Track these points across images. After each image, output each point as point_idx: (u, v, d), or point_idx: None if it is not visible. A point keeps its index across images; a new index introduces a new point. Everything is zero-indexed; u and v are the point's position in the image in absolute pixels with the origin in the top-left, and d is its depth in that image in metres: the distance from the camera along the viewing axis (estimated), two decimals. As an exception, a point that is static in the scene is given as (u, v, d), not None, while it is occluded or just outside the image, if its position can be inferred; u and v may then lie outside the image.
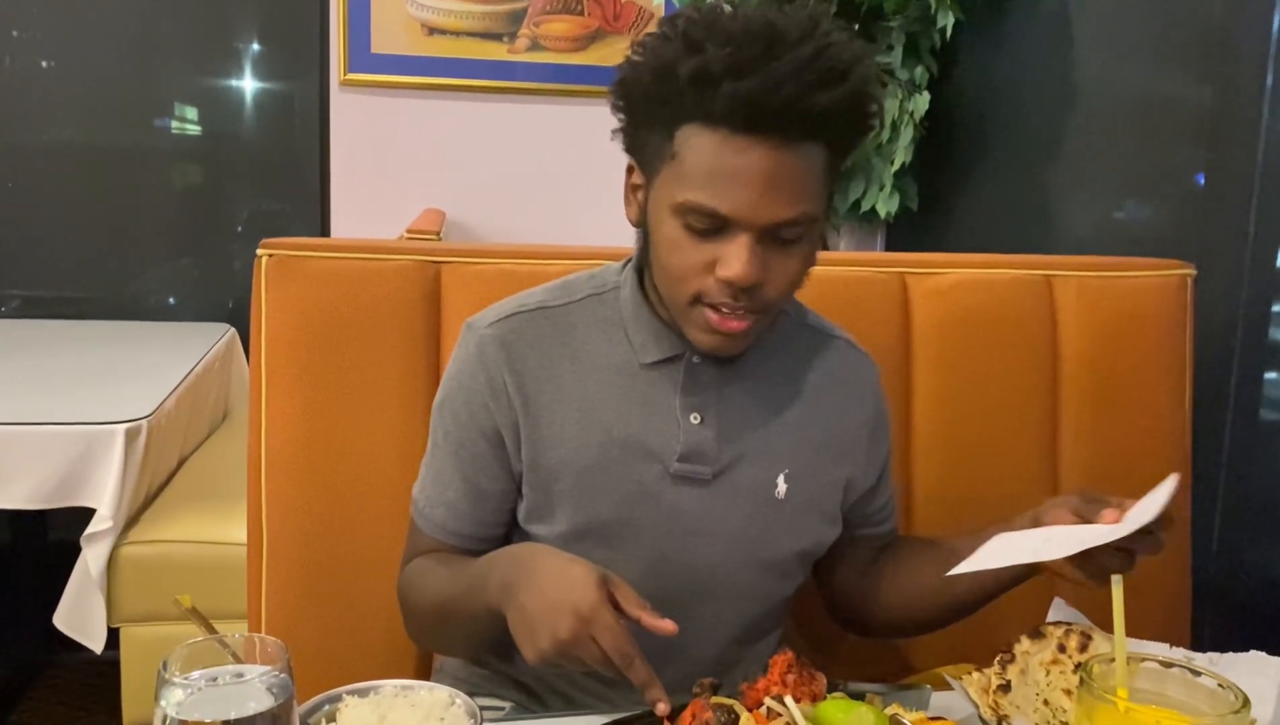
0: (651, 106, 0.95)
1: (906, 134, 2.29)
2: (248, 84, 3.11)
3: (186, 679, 0.65)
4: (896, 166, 2.34)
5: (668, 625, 0.85)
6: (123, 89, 3.03)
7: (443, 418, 1.10)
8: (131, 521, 2.04)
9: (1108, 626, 0.96)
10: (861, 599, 1.18)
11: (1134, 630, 0.80)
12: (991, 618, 1.32)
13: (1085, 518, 0.89)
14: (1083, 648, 0.91)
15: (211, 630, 0.75)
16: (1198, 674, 0.74)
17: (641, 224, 1.02)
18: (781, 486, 1.07)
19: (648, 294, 1.07)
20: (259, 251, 1.28)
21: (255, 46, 3.10)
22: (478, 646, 1.11)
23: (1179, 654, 0.85)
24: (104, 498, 1.91)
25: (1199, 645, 1.02)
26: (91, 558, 1.93)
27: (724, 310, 0.96)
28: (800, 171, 0.91)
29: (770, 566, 1.10)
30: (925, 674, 1.26)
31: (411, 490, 1.14)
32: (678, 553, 1.06)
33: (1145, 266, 1.48)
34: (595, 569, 0.88)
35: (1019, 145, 2.34)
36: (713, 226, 0.93)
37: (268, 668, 0.67)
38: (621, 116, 0.99)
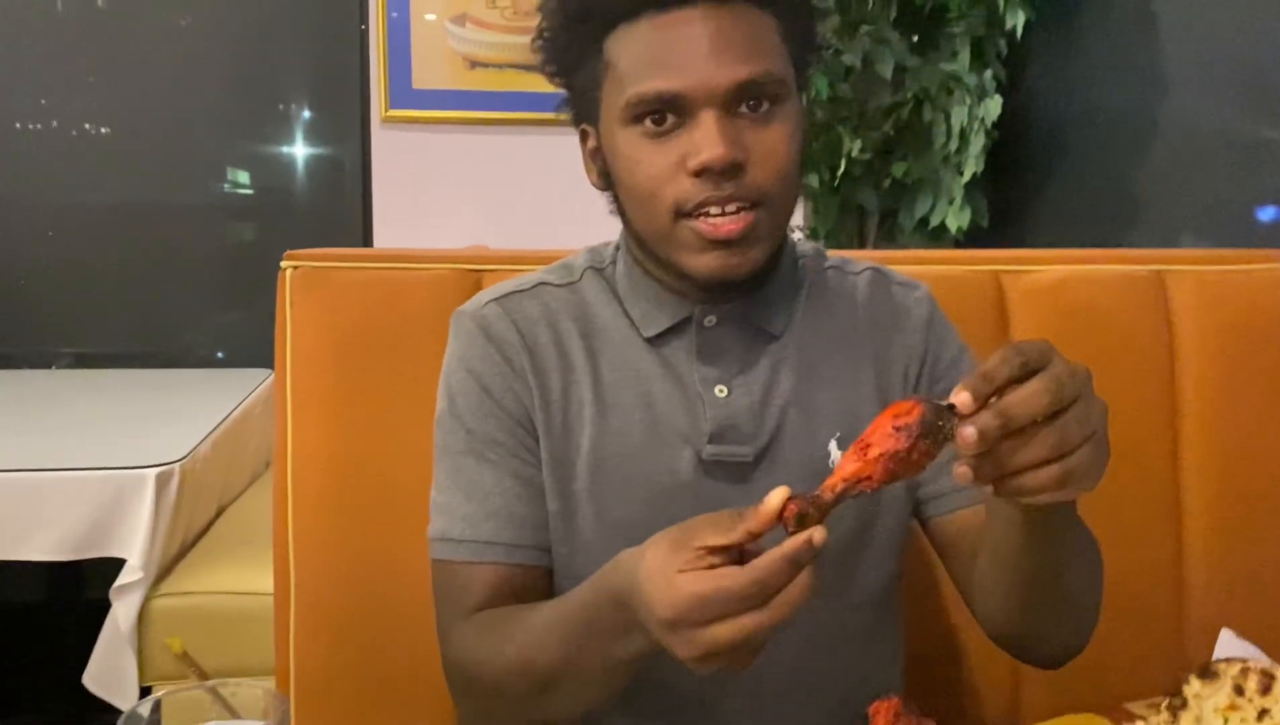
0: (575, 38, 0.89)
1: (977, 142, 2.15)
2: (290, 124, 3.05)
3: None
4: (967, 177, 2.19)
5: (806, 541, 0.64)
6: (170, 144, 2.98)
7: (457, 423, 0.94)
8: (165, 572, 1.93)
9: (1287, 662, 0.80)
10: (973, 600, 0.94)
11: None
12: (1127, 652, 1.17)
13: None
14: (1265, 689, 0.75)
15: (204, 677, 0.62)
16: None
17: (607, 182, 0.93)
18: (835, 454, 0.91)
19: (640, 261, 0.95)
20: (283, 264, 1.18)
21: (296, 85, 3.05)
22: (599, 701, 0.84)
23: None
24: (134, 547, 1.80)
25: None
26: (121, 612, 1.81)
27: (713, 212, 0.83)
28: (745, 30, 0.84)
29: (839, 556, 0.92)
30: (1077, 718, 1.09)
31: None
32: None
33: (1271, 258, 1.32)
34: (659, 540, 0.70)
35: (1099, 151, 2.19)
36: (671, 117, 0.84)
37: (261, 723, 0.53)
38: (557, 78, 0.93)
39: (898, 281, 1.02)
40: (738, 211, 0.83)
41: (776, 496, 0.64)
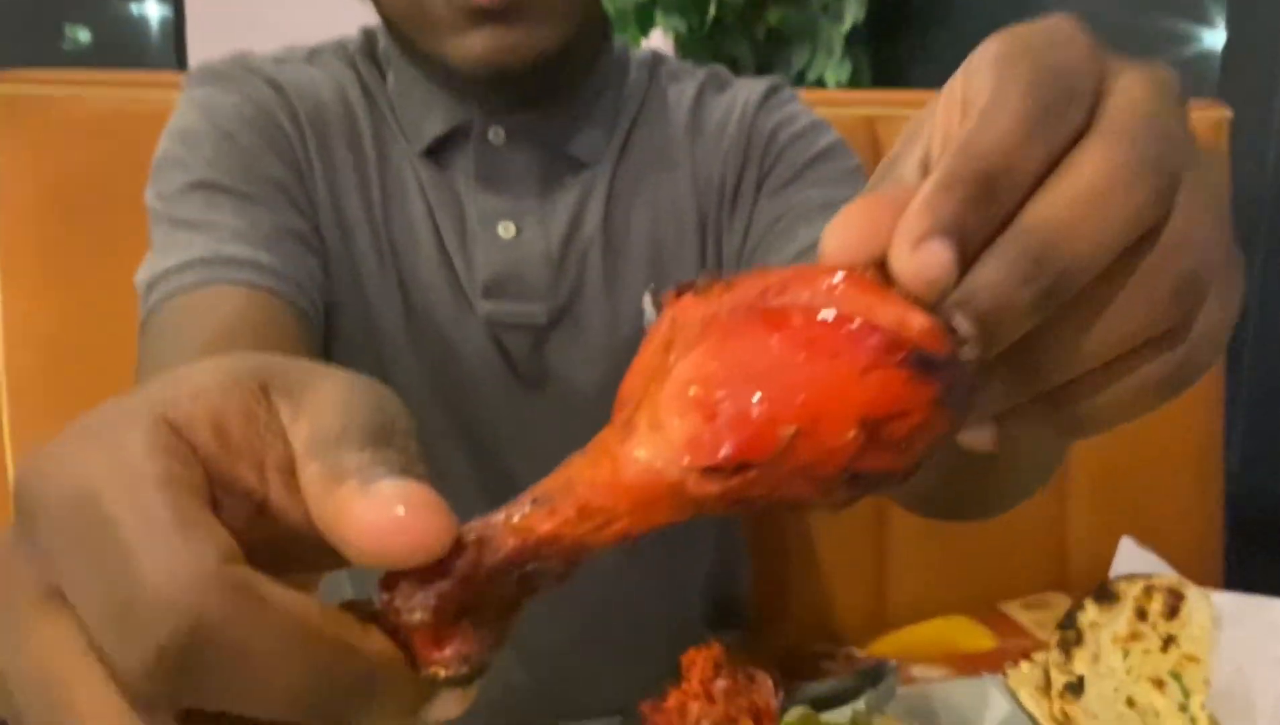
0: None
1: (858, -15, 1.96)
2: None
3: None
4: (847, 27, 2.01)
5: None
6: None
7: (192, 157, 0.68)
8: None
9: (1196, 573, 0.67)
10: None
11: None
12: (1000, 549, 1.08)
13: None
14: (1171, 612, 0.61)
15: None
16: None
17: None
18: (649, 312, 0.72)
19: (405, 53, 0.74)
20: (-19, 86, 0.92)
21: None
22: None
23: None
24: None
25: (1233, 585, 0.75)
26: None
27: None
28: None
29: None
30: (946, 622, 0.97)
31: None
32: (513, 450, 0.71)
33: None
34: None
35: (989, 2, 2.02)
36: None
37: None
38: None
39: (739, 81, 0.81)
40: None
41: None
